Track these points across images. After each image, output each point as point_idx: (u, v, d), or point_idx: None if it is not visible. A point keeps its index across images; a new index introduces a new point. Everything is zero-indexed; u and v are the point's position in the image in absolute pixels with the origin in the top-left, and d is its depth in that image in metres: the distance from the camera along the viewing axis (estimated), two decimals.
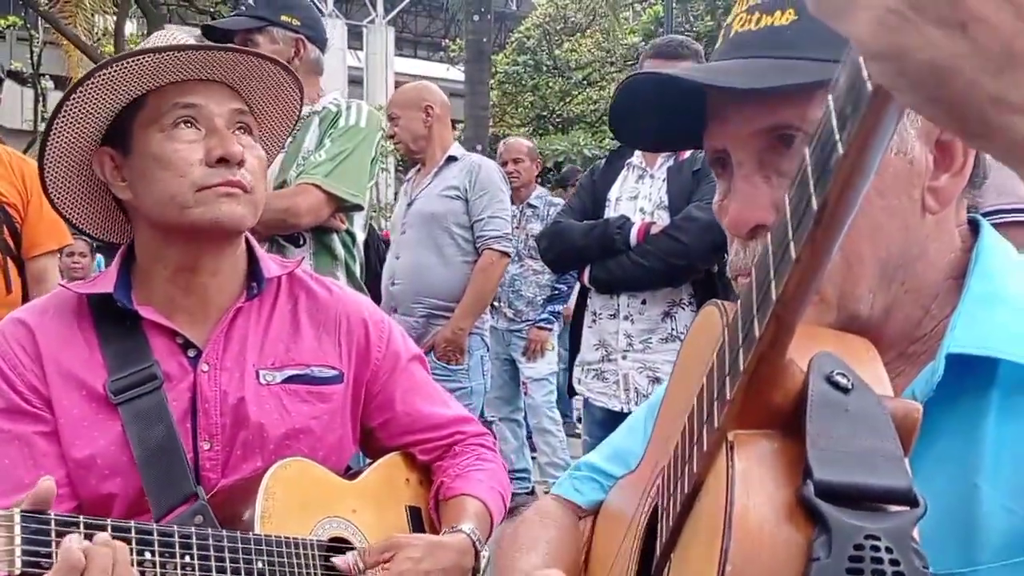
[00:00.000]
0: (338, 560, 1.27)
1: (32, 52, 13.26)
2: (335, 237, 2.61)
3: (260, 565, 1.20)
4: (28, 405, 1.29)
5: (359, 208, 2.59)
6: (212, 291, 1.38)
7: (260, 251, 1.46)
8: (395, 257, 3.65)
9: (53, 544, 1.01)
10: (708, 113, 0.83)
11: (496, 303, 4.91)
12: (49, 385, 1.30)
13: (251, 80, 1.38)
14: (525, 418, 5.11)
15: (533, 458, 5.16)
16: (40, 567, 1.00)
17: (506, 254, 3.63)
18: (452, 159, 3.65)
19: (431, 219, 3.57)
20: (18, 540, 0.97)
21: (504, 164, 4.99)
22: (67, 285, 1.39)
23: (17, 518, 0.98)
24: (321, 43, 2.73)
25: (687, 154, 2.88)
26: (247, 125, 1.37)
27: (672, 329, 2.84)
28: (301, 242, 2.57)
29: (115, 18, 10.11)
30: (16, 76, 13.46)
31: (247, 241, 1.46)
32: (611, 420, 2.73)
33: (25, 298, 2.94)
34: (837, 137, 0.43)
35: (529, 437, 5.19)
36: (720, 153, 0.82)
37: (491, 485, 1.49)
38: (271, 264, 1.45)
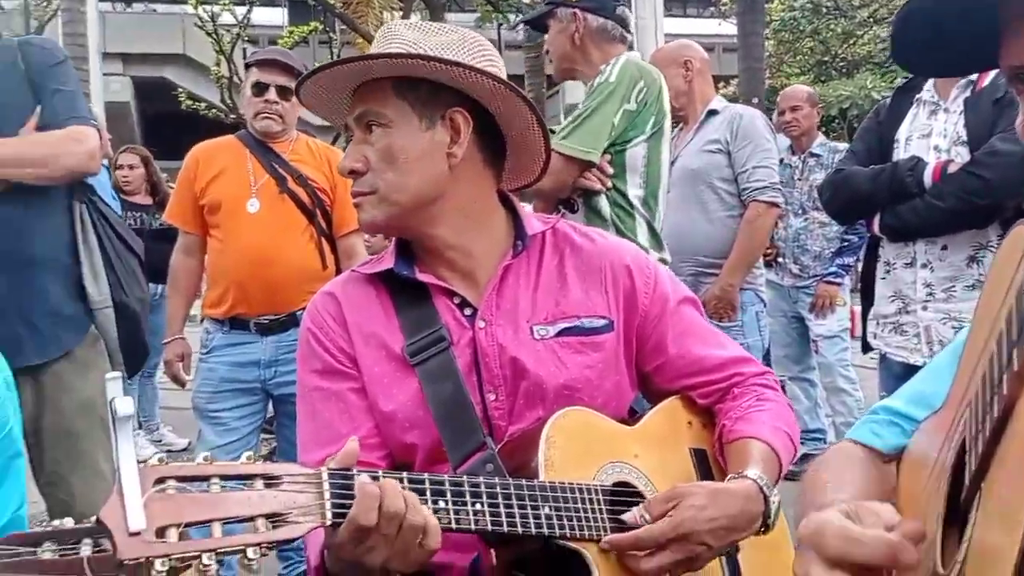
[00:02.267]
0: (626, 516, 1.28)
1: (332, 53, 14.55)
2: (602, 198, 2.63)
3: (547, 511, 1.23)
4: (340, 365, 1.43)
5: (591, 164, 2.58)
6: (461, 262, 1.45)
7: (522, 209, 1.51)
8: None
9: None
10: (1002, 29, 0.76)
11: (781, 259, 4.72)
12: (355, 347, 1.43)
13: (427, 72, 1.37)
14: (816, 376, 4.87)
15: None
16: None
17: (774, 204, 3.47)
18: (713, 113, 3.55)
19: (693, 176, 3.49)
20: (327, 495, 1.06)
21: (782, 113, 4.77)
22: (356, 269, 1.54)
23: (325, 475, 1.08)
24: (604, 10, 2.78)
25: (986, 82, 2.57)
26: (373, 121, 1.39)
27: (980, 275, 2.56)
28: (575, 208, 2.63)
29: (401, 13, 10.85)
30: None
31: (507, 200, 1.52)
32: (911, 375, 2.53)
33: (338, 273, 3.26)
34: None
35: None
36: (1019, 69, 0.75)
37: (775, 425, 1.43)
38: (534, 221, 1.50)
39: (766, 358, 4.31)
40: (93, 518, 1.21)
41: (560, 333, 1.43)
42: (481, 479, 1.22)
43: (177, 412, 5.13)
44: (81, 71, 13.52)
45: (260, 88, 3.26)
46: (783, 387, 4.79)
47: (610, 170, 2.62)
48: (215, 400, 3.20)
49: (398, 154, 1.38)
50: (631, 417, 1.49)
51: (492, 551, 1.29)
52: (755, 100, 10.54)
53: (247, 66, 3.46)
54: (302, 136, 3.45)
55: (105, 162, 5.31)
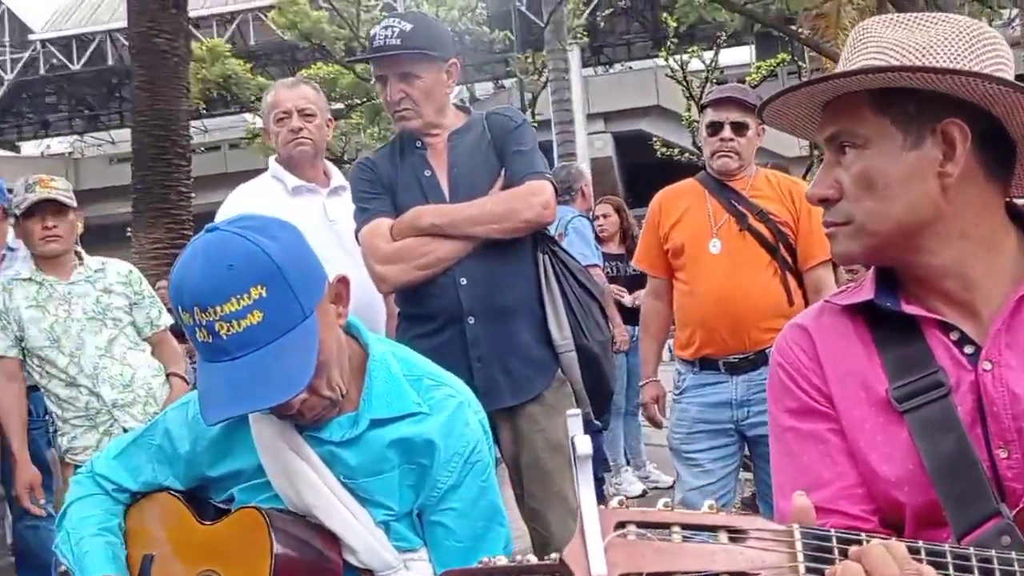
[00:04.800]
0: None
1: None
2: None
3: None
4: (816, 404, 1.29)
5: None
6: (959, 293, 1.23)
7: None
8: None
9: (837, 560, 0.96)
10: None
11: None
12: (829, 385, 1.29)
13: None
14: None
15: None
16: None
17: None
18: None
19: None
20: (800, 556, 0.94)
21: None
22: (829, 299, 1.38)
23: (797, 533, 0.95)
24: None
25: None
26: (847, 142, 1.24)
27: None
28: None
29: None
30: None
31: (1020, 215, 1.27)
32: None
33: (807, 308, 3.11)
34: None
35: None
36: None
37: None
38: None
39: None
40: (554, 555, 1.26)
41: None
42: (993, 553, 1.02)
43: (661, 449, 5.31)
44: (568, 132, 14.99)
45: (715, 127, 3.27)
46: None
47: None
48: (689, 441, 3.23)
49: (877, 179, 1.22)
50: None
51: None
52: None
53: (701, 108, 3.51)
54: (761, 170, 3.39)
55: (589, 215, 5.78)
